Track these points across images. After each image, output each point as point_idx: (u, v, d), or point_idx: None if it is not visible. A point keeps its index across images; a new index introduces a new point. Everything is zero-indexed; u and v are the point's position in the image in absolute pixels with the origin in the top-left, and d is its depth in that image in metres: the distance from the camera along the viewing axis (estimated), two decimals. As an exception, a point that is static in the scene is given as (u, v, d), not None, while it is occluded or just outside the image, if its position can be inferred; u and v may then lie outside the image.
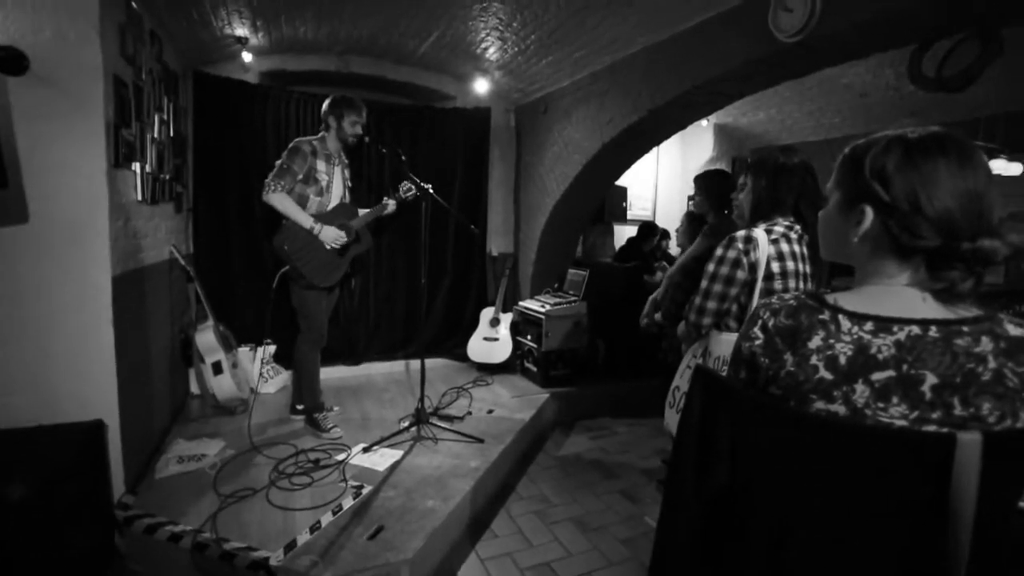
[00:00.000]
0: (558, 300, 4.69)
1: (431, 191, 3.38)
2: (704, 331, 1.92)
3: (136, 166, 2.79)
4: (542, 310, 4.53)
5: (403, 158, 3.54)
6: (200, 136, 4.07)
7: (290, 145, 3.19)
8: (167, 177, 3.38)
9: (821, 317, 0.93)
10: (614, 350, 4.98)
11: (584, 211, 5.10)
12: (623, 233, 6.44)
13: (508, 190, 5.49)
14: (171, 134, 3.48)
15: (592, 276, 4.79)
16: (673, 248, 6.27)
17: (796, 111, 5.71)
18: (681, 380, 2.03)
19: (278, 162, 3.15)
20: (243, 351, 4.07)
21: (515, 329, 4.87)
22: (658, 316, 2.87)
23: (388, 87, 4.94)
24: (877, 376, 0.87)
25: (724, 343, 1.84)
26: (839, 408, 0.88)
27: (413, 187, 3.51)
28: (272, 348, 4.25)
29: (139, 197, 2.83)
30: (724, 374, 1.05)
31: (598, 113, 4.20)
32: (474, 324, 4.99)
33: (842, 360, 0.89)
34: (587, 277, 4.77)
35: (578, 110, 4.46)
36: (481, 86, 4.77)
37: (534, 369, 4.61)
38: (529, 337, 4.69)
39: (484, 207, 5.28)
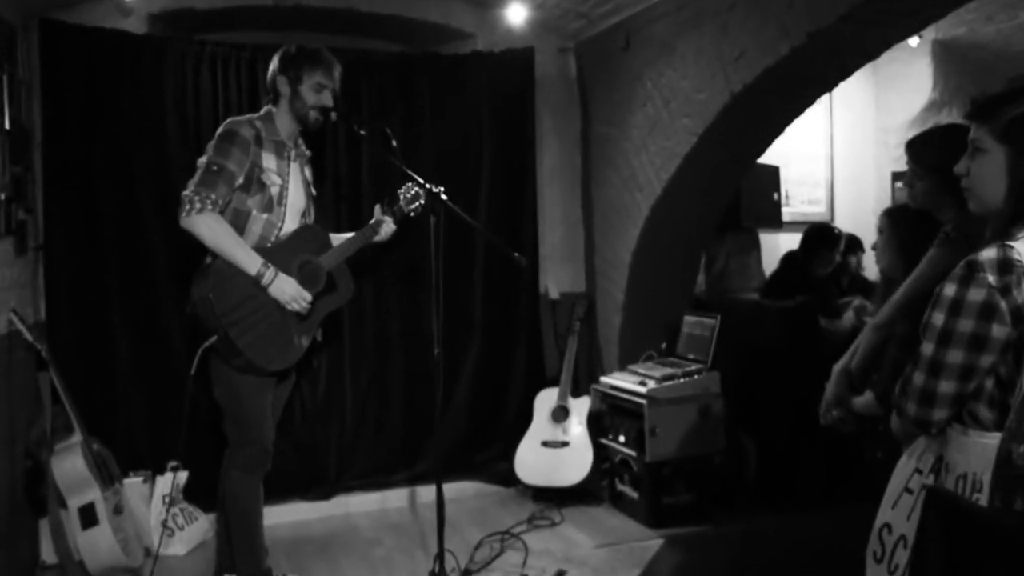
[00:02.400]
0: (669, 371, 4.65)
1: (443, 196, 3.39)
2: (935, 428, 1.88)
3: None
4: (642, 390, 4.49)
5: (393, 143, 3.56)
6: (54, 126, 4.21)
7: (221, 129, 3.23)
8: (2, 197, 3.50)
9: None
10: (773, 455, 4.89)
11: (705, 213, 5.07)
12: (777, 246, 6.36)
13: (571, 184, 5.53)
14: (7, 127, 3.61)
15: (727, 325, 4.74)
16: (870, 269, 6.14)
17: (1089, 3, 5.56)
18: (894, 513, 1.98)
19: (202, 160, 3.17)
20: (132, 483, 4.10)
21: (596, 425, 4.84)
22: (862, 400, 2.79)
23: (362, 26, 5.06)
24: None
25: (975, 449, 1.75)
26: None
27: (421, 192, 3.53)
28: (183, 476, 4.24)
29: (-45, 233, 2.93)
30: (981, 503, 1.01)
31: (719, 44, 4.19)
32: (526, 419, 4.98)
33: None
34: (717, 327, 4.73)
35: (683, 42, 4.46)
36: (516, 13, 4.83)
37: (634, 495, 4.56)
38: (622, 439, 4.65)
39: (531, 217, 5.30)
